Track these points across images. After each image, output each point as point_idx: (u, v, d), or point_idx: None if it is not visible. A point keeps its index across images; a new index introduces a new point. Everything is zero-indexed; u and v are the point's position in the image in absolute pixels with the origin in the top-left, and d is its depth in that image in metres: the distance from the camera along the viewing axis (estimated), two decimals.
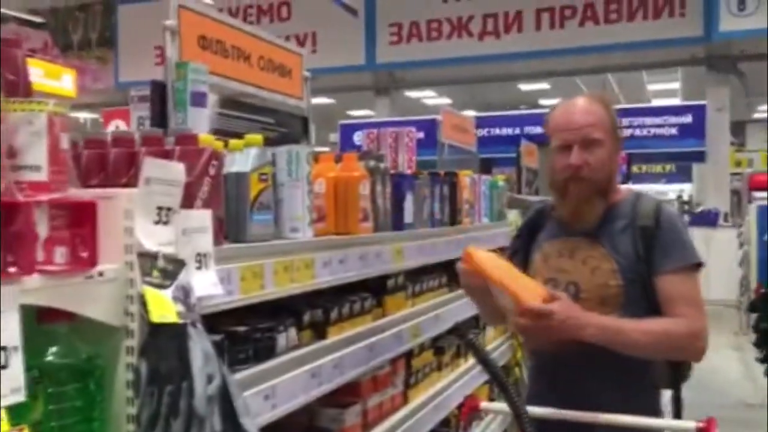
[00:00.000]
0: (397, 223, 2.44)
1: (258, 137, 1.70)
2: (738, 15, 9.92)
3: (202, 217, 1.35)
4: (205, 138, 1.64)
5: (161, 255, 1.22)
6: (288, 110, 3.35)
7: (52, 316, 1.12)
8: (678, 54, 11.45)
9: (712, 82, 11.47)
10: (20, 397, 0.96)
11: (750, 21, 9.82)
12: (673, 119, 11.93)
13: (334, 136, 11.83)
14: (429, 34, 11.60)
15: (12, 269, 1.00)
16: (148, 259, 1.20)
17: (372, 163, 2.28)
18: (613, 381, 1.86)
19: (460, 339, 1.68)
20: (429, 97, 16.27)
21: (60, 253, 1.10)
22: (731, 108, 11.86)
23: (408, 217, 2.50)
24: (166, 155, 1.37)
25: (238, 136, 2.07)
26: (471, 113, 11.67)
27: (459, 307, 3.06)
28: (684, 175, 18.05)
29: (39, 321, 1.11)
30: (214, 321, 1.59)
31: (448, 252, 2.94)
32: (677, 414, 1.97)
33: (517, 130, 11.99)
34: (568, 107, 1.93)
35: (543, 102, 16.16)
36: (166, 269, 1.22)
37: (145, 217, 1.22)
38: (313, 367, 1.79)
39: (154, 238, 1.23)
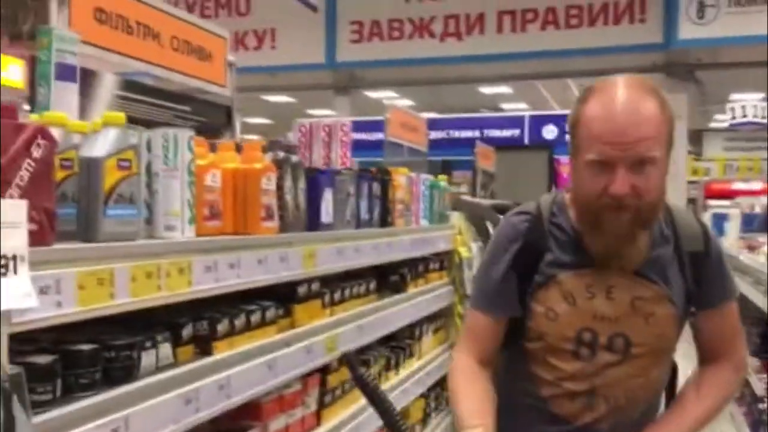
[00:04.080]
0: (313, 223, 2.17)
1: (119, 115, 1.42)
2: (697, 23, 9.92)
3: (14, 210, 1.07)
4: (52, 115, 1.36)
5: None
6: (208, 99, 3.08)
7: None
8: (638, 60, 11.41)
9: (670, 89, 11.45)
10: None
11: (708, 30, 9.85)
12: None
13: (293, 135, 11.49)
14: (390, 34, 11.38)
15: None
16: None
17: (281, 154, 2.02)
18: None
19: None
20: (390, 98, 15.99)
21: None
22: (689, 116, 11.86)
23: (326, 216, 2.24)
24: None
25: (145, 123, 1.80)
26: (432, 116, 11.48)
27: (390, 316, 2.81)
28: None
29: None
30: (54, 337, 1.32)
31: (377, 256, 2.69)
32: None
33: (477, 133, 11.83)
34: (614, 109, 1.33)
35: (504, 106, 16.05)
36: None
37: None
38: (187, 391, 1.52)
39: None
